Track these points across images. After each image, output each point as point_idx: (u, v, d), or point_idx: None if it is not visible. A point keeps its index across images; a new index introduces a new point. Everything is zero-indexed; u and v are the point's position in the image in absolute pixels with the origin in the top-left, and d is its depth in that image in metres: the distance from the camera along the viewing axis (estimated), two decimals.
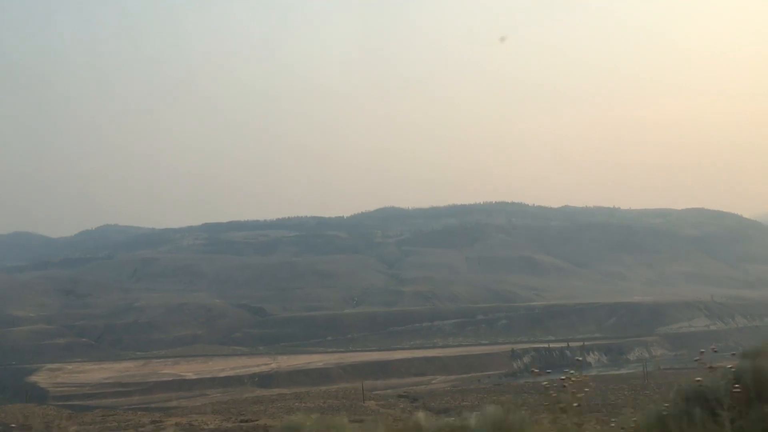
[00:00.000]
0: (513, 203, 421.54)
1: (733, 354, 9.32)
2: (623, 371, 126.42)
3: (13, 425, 41.81)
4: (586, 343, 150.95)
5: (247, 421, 42.47)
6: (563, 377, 8.98)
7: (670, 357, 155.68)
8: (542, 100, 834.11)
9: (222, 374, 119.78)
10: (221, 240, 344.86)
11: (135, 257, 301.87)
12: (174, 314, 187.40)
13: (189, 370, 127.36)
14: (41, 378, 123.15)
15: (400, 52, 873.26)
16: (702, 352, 9.03)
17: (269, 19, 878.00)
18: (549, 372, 13.50)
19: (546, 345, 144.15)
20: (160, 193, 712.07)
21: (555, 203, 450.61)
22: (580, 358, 14.05)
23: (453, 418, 8.81)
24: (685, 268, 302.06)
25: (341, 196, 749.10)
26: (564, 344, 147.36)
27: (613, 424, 8.99)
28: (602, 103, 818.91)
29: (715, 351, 9.78)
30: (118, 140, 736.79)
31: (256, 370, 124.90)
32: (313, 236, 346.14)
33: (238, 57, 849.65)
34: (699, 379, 8.65)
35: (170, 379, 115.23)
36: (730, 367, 8.59)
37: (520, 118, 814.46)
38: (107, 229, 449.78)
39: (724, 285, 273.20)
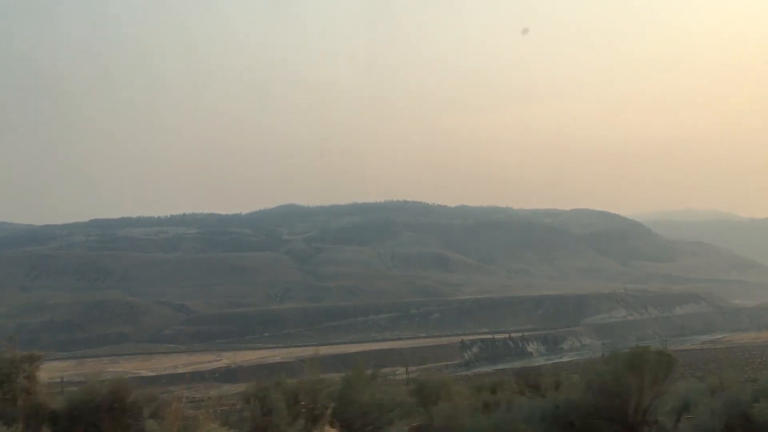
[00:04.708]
0: (414, 202, 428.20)
1: None
2: (565, 359, 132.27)
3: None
4: (525, 333, 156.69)
5: None
6: None
7: (599, 345, 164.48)
8: (433, 104, 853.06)
9: (178, 371, 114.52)
10: (117, 236, 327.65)
11: (25, 254, 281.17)
12: (92, 312, 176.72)
13: (137, 368, 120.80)
14: None
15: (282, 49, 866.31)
16: None
17: None
18: None
19: (491, 336, 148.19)
20: (31, 187, 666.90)
21: (451, 202, 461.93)
22: None
23: None
24: (580, 264, 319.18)
25: (235, 193, 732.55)
26: (506, 335, 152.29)
27: None
28: (493, 108, 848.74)
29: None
30: None
31: (210, 366, 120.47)
32: (216, 233, 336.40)
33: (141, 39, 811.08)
34: None
35: (128, 377, 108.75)
36: None
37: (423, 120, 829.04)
38: None
39: (617, 280, 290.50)
